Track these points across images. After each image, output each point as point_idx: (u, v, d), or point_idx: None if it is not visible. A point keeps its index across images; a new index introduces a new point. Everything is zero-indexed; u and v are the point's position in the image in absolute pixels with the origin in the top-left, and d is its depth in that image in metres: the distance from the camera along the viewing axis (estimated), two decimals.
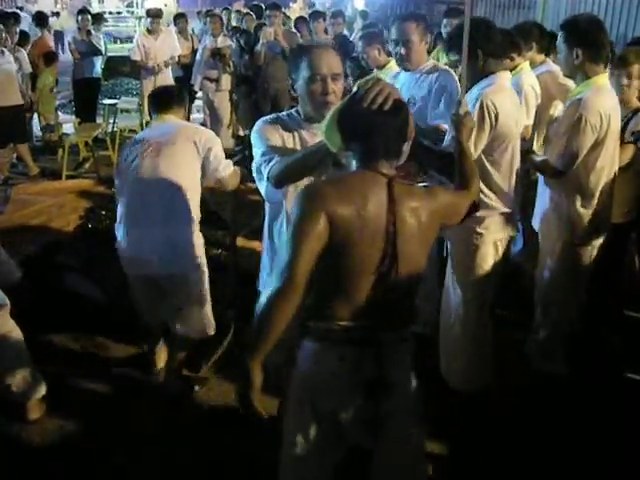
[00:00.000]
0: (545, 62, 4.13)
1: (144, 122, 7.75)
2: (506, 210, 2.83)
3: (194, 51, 8.33)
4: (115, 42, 16.13)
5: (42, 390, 2.99)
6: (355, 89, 1.86)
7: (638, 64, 3.19)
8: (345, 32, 7.91)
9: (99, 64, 8.71)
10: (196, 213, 2.99)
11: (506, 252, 2.95)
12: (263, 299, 1.70)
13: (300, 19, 8.39)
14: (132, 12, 15.77)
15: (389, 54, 4.08)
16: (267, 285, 2.01)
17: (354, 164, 1.85)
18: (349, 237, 1.71)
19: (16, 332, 2.88)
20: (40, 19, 8.92)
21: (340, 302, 1.79)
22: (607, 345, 3.48)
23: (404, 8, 13.50)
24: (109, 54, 10.84)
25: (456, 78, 3.19)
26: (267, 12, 7.24)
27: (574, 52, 2.86)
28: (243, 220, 4.20)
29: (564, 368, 3.23)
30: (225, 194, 3.64)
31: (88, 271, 4.00)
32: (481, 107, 2.61)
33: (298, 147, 2.24)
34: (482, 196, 2.66)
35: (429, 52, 5.03)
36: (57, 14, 17.12)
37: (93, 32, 8.61)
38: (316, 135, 2.19)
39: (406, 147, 1.85)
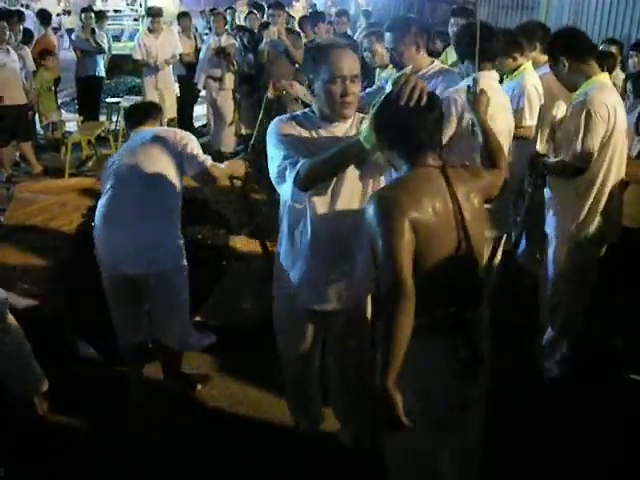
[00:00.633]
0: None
1: None
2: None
3: (197, 50, 8.32)
4: (118, 40, 16.07)
5: (45, 384, 3.01)
6: (388, 88, 1.89)
7: None
8: (349, 31, 7.92)
9: (102, 62, 8.70)
10: (176, 213, 2.97)
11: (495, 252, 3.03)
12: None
13: (304, 18, 8.41)
14: (136, 10, 15.74)
15: None
16: (281, 290, 2.19)
17: (399, 163, 1.90)
18: (430, 235, 1.79)
19: (15, 326, 2.89)
20: (44, 17, 8.93)
21: (428, 296, 1.82)
22: (610, 345, 3.48)
23: (407, 8, 13.47)
24: (112, 52, 10.81)
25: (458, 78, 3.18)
26: (270, 11, 7.23)
27: (560, 63, 2.96)
28: (244, 220, 4.18)
29: (572, 369, 3.22)
30: (231, 193, 3.61)
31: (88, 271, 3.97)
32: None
33: (317, 147, 2.17)
34: None
35: (439, 53, 4.98)
36: (68, 12, 17.09)
37: (97, 30, 8.62)
38: (334, 134, 2.20)
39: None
